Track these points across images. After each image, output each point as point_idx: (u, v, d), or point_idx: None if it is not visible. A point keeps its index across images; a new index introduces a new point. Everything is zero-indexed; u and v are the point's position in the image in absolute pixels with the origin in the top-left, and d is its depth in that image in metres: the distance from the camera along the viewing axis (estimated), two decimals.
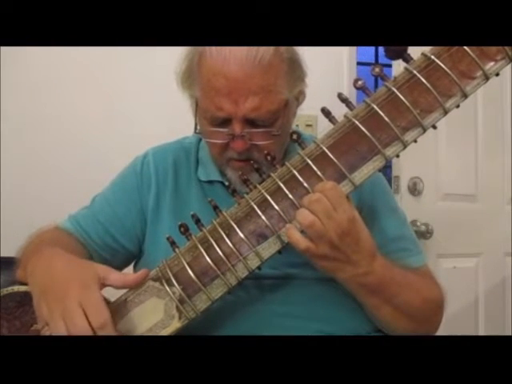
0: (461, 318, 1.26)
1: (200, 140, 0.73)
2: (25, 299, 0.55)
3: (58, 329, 0.47)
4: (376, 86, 1.23)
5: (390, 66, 1.12)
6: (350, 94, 1.24)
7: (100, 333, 0.47)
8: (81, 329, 0.46)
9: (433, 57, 0.51)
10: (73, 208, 0.73)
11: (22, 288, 0.56)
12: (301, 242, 0.51)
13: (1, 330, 0.53)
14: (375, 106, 0.52)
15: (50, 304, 0.49)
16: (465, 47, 0.50)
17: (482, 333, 1.30)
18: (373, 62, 2.30)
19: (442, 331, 0.67)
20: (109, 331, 0.47)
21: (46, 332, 0.48)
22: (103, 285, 0.50)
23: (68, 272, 0.51)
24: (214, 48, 0.59)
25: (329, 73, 1.25)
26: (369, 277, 0.54)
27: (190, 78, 0.63)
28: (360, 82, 0.53)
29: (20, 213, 1.08)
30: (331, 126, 0.55)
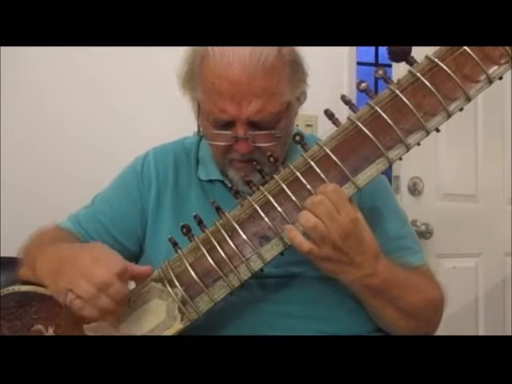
0: (461, 318, 1.26)
1: (200, 140, 0.73)
2: (25, 299, 0.55)
3: (83, 287, 0.48)
4: (376, 86, 1.23)
5: (390, 66, 1.12)
6: (350, 94, 1.24)
7: (123, 277, 0.48)
8: (104, 277, 0.48)
9: (437, 60, 0.51)
10: (73, 207, 0.72)
11: (23, 288, 0.56)
12: (304, 244, 0.51)
13: (1, 330, 0.53)
14: (379, 109, 0.52)
15: (66, 274, 0.50)
16: (469, 51, 0.51)
17: (481, 333, 1.30)
18: (373, 62, 2.30)
19: (442, 331, 0.67)
20: (127, 276, 0.49)
21: (72, 298, 0.49)
22: None
23: (75, 248, 0.54)
24: (216, 50, 0.59)
25: (329, 73, 1.25)
26: (373, 278, 0.54)
27: (192, 80, 0.63)
28: (363, 85, 0.53)
29: (20, 213, 1.07)
30: (331, 126, 0.55)
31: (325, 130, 0.56)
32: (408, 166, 1.23)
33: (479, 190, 1.32)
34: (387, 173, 0.57)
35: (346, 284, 0.56)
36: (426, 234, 1.22)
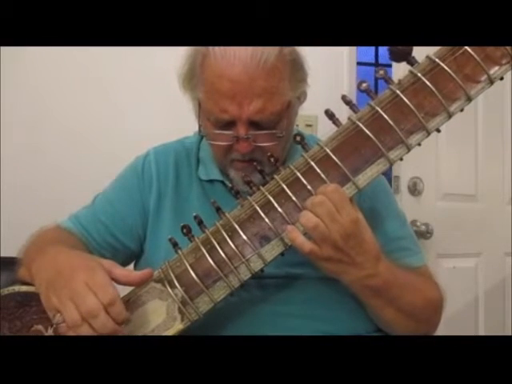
0: (461, 318, 1.26)
1: (201, 139, 0.73)
2: (25, 299, 0.55)
3: (70, 312, 0.47)
4: (376, 86, 1.23)
5: (390, 66, 1.12)
6: (350, 94, 1.24)
7: (111, 309, 0.46)
8: (91, 306, 0.46)
9: (437, 60, 0.51)
10: (74, 207, 0.72)
11: (23, 288, 0.56)
12: (305, 244, 0.51)
13: (1, 330, 0.53)
14: (379, 109, 0.52)
15: (57, 292, 0.48)
16: (470, 51, 0.51)
17: (481, 333, 1.30)
18: (373, 62, 2.30)
19: (442, 331, 0.67)
20: (119, 307, 0.47)
21: (59, 320, 0.48)
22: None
23: (73, 262, 0.51)
24: (217, 50, 0.59)
25: (329, 73, 1.25)
26: (374, 279, 0.54)
27: (193, 79, 0.63)
28: (364, 85, 0.53)
29: (20, 213, 1.07)
30: (332, 126, 0.54)
31: (325, 130, 0.56)
32: (408, 166, 1.23)
33: (479, 190, 1.32)
34: (387, 173, 0.57)
35: (346, 284, 0.56)
36: (425, 234, 1.22)
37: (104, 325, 0.46)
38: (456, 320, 1.22)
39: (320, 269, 0.55)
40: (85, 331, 0.46)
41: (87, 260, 0.52)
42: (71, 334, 0.47)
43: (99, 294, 0.47)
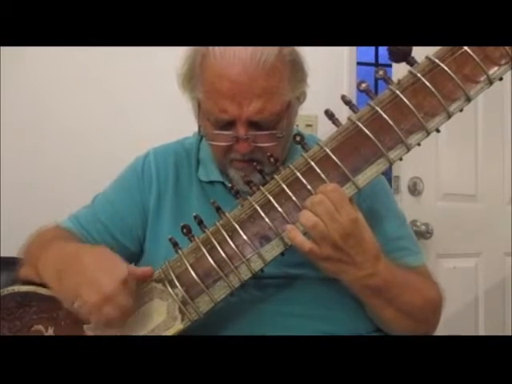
0: (461, 318, 1.26)
1: (200, 140, 0.73)
2: (25, 299, 0.55)
3: (90, 297, 0.49)
4: (376, 87, 1.23)
5: (390, 66, 1.12)
6: (350, 94, 1.24)
7: (126, 285, 0.49)
8: (110, 288, 0.48)
9: (437, 60, 0.51)
10: (74, 207, 0.72)
11: (23, 288, 0.56)
12: (304, 244, 0.51)
13: (1, 330, 0.53)
14: (379, 109, 0.52)
15: (71, 280, 0.50)
16: (469, 51, 0.51)
17: (482, 333, 1.30)
18: (373, 62, 2.31)
19: (441, 331, 0.67)
20: (133, 284, 0.50)
21: (77, 305, 0.49)
22: None
23: (78, 249, 0.54)
24: (217, 50, 0.59)
25: (329, 73, 1.25)
26: (373, 278, 0.54)
27: (193, 79, 0.63)
28: (364, 85, 0.53)
29: (20, 213, 1.07)
30: (331, 126, 0.55)
31: (325, 130, 0.57)
32: (408, 166, 1.22)
33: (479, 190, 1.32)
34: (387, 173, 0.57)
35: (346, 284, 0.56)
36: (425, 234, 1.22)
37: (124, 302, 0.49)
38: (456, 320, 1.22)
39: (320, 269, 0.55)
40: (107, 311, 0.49)
41: (94, 247, 0.55)
42: (93, 317, 0.49)
43: (114, 274, 0.49)
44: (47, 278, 0.54)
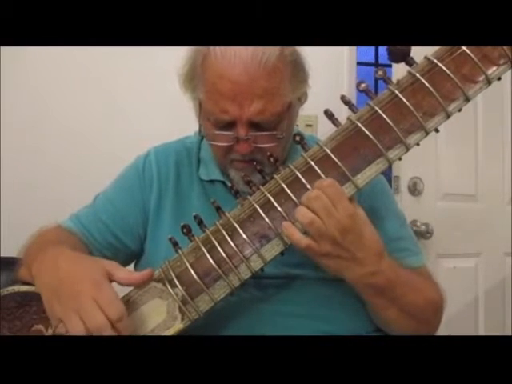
0: (461, 318, 1.26)
1: (201, 139, 0.73)
2: (25, 299, 0.55)
3: (75, 325, 0.47)
4: (376, 86, 1.23)
5: (389, 66, 1.12)
6: (350, 94, 1.24)
7: (118, 326, 0.47)
8: (99, 323, 0.46)
9: (436, 60, 0.51)
10: (74, 207, 0.72)
11: (23, 288, 0.56)
12: (301, 240, 0.51)
13: (1, 330, 0.53)
14: (378, 109, 0.52)
15: (63, 302, 0.49)
16: (467, 51, 0.51)
17: (482, 333, 1.30)
18: (373, 62, 2.31)
19: (442, 331, 0.67)
20: (126, 324, 0.48)
21: (60, 330, 0.48)
22: (109, 280, 0.51)
23: (76, 269, 0.51)
24: (218, 50, 0.59)
25: (329, 73, 1.25)
26: (377, 277, 0.54)
27: (194, 80, 0.63)
28: (363, 85, 0.53)
29: (20, 213, 1.07)
30: (331, 126, 0.55)
31: (325, 131, 0.57)
32: (408, 166, 1.23)
33: (479, 190, 1.32)
34: (387, 173, 0.57)
35: (349, 282, 0.56)
36: (425, 234, 1.22)
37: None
38: (456, 320, 1.22)
39: (320, 269, 0.55)
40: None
41: (91, 266, 0.52)
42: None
43: (107, 310, 0.47)
44: (38, 286, 0.53)
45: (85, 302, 0.47)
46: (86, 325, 0.47)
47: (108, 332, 0.47)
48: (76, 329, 0.47)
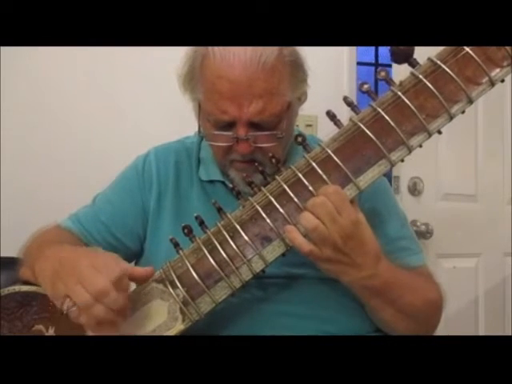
0: (461, 318, 1.26)
1: (201, 140, 0.73)
2: (26, 299, 0.55)
3: (80, 295, 0.47)
4: (376, 87, 1.23)
5: (390, 66, 1.12)
6: (350, 94, 1.24)
7: (119, 285, 0.47)
8: (101, 285, 0.46)
9: (439, 62, 0.51)
10: (74, 207, 0.72)
11: (23, 288, 0.56)
12: (304, 245, 0.51)
13: (2, 330, 0.53)
14: (381, 111, 0.52)
15: (63, 279, 0.49)
16: (471, 53, 0.51)
17: (482, 333, 1.30)
18: (373, 62, 2.30)
19: (442, 331, 0.67)
20: (126, 281, 0.48)
21: (69, 305, 0.48)
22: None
23: (75, 251, 0.53)
24: (217, 51, 0.59)
25: (329, 73, 1.25)
26: (374, 279, 0.55)
27: (193, 80, 0.63)
28: (366, 86, 0.53)
29: (20, 213, 1.07)
30: (332, 126, 0.54)
31: (325, 131, 0.56)
32: (408, 166, 1.22)
33: (479, 190, 1.32)
34: (387, 173, 0.57)
35: (346, 284, 0.56)
36: (425, 234, 1.22)
37: (116, 301, 0.47)
38: (456, 320, 1.22)
39: (320, 269, 0.55)
40: (97, 311, 0.47)
41: (91, 251, 0.53)
42: (83, 318, 0.47)
43: (106, 272, 0.47)
44: (41, 281, 0.53)
45: (83, 271, 0.47)
46: (88, 291, 0.46)
47: (113, 293, 0.46)
48: (81, 298, 0.47)
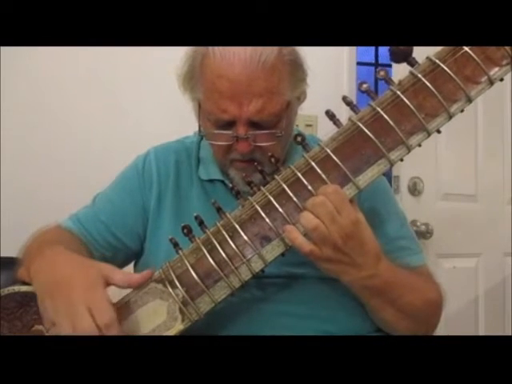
0: (461, 318, 1.26)
1: (201, 139, 0.73)
2: (25, 299, 0.55)
3: (65, 329, 0.47)
4: (376, 87, 1.23)
5: (389, 65, 1.12)
6: (350, 94, 1.24)
7: (106, 332, 0.47)
8: (87, 329, 0.47)
9: (438, 61, 0.51)
10: (74, 207, 0.72)
11: (23, 288, 0.56)
12: (304, 245, 0.51)
13: (1, 330, 0.53)
14: (380, 110, 0.52)
15: (55, 305, 0.49)
16: (470, 52, 0.51)
17: (482, 333, 1.30)
18: (373, 62, 2.31)
19: (442, 331, 0.67)
20: (115, 331, 0.48)
21: (52, 332, 0.49)
22: (107, 284, 0.50)
23: (72, 272, 0.51)
24: (217, 50, 0.59)
25: (329, 73, 1.25)
26: (374, 279, 0.55)
27: (193, 79, 0.63)
28: (365, 86, 0.53)
29: (20, 213, 1.07)
30: (331, 126, 0.54)
31: (325, 131, 0.56)
32: (408, 166, 1.23)
33: (479, 190, 1.32)
34: (387, 173, 0.57)
35: (346, 284, 0.56)
36: (425, 234, 1.22)
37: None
38: (456, 320, 1.22)
39: (320, 269, 0.55)
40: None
41: (87, 269, 0.51)
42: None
43: (97, 315, 0.47)
44: (34, 284, 0.53)
45: (76, 307, 0.47)
46: (75, 330, 0.47)
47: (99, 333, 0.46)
48: (67, 332, 0.47)
